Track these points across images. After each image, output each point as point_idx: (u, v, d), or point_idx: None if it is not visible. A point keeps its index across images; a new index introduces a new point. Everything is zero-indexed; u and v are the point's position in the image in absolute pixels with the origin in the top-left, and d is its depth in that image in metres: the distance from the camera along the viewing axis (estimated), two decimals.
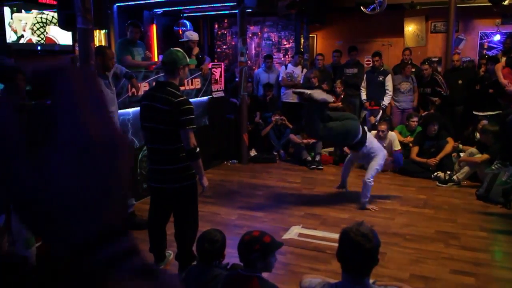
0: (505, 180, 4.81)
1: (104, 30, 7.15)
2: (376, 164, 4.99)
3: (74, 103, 0.32)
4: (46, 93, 0.34)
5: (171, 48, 3.40)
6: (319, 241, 4.14)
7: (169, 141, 3.16)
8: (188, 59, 3.36)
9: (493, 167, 4.84)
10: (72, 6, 3.97)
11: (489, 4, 7.42)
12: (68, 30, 5.18)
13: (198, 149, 3.16)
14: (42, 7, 6.06)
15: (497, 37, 8.64)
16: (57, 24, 4.95)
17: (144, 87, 5.21)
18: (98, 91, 0.35)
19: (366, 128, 5.27)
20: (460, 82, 7.20)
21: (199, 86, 6.41)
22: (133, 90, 5.00)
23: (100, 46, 5.37)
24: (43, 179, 0.31)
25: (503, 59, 6.60)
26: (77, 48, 4.90)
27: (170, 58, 3.24)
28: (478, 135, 6.12)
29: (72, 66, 0.35)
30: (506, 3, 7.55)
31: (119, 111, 4.75)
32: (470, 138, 6.38)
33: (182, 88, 3.42)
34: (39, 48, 6.08)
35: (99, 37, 7.25)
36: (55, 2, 4.70)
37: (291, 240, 4.18)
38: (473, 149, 5.85)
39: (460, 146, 6.24)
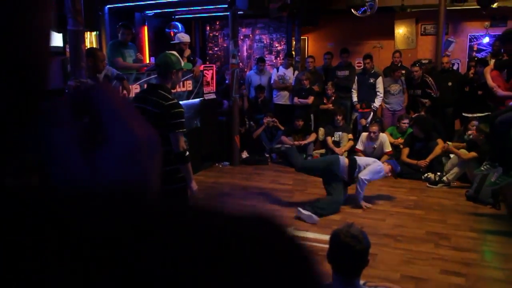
0: (494, 181, 4.84)
1: (95, 32, 7.11)
2: (374, 167, 4.98)
3: (117, 109, 0.36)
4: (85, 110, 0.37)
5: (166, 51, 3.38)
6: (310, 243, 4.15)
7: (161, 143, 3.15)
8: (182, 63, 3.35)
9: (482, 168, 4.88)
10: (62, 8, 3.95)
11: (478, 7, 7.50)
12: (58, 32, 5.16)
13: (187, 153, 3.15)
14: None
15: (486, 40, 8.74)
16: None
17: (135, 89, 5.20)
18: (128, 99, 0.39)
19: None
20: (450, 84, 7.26)
21: (190, 88, 6.41)
22: (124, 92, 4.98)
23: (91, 48, 5.35)
24: (94, 175, 0.33)
25: (492, 62, 6.67)
26: (68, 50, 4.88)
27: (163, 60, 3.22)
28: (468, 133, 6.16)
29: (101, 83, 0.39)
30: (495, 5, 7.63)
31: None
32: (460, 138, 6.42)
33: (173, 90, 3.40)
34: None
35: (90, 39, 7.21)
36: None
37: None
38: (463, 150, 5.90)
39: (451, 144, 6.23)
